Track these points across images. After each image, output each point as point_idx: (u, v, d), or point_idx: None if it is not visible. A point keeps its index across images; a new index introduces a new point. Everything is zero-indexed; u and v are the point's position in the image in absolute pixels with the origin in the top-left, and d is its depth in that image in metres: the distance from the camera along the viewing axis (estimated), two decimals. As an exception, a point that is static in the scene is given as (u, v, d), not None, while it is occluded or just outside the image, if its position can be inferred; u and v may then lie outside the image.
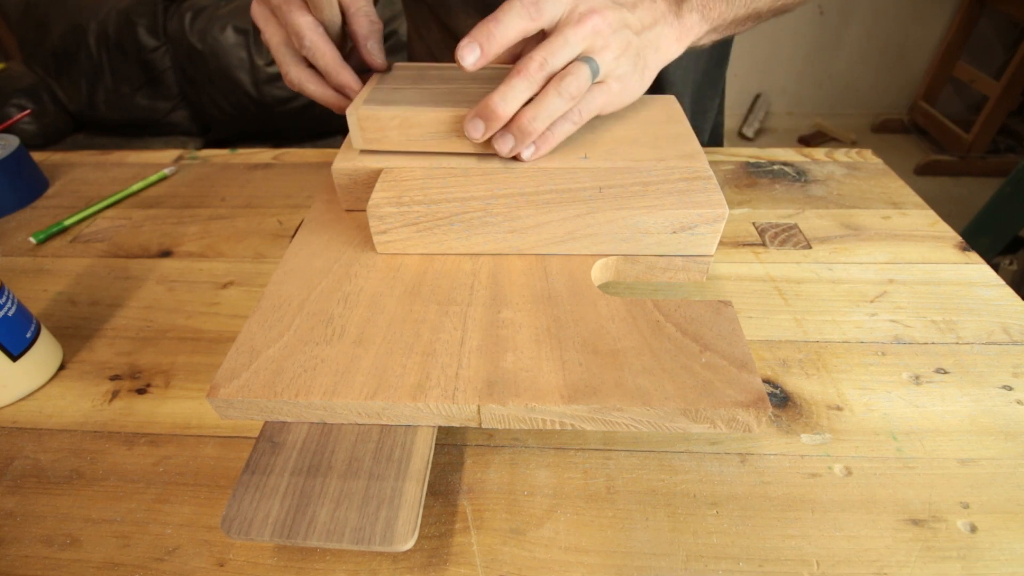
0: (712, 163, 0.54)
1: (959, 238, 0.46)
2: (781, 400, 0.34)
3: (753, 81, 2.37)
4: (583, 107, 0.34)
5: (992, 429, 0.32)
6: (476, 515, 0.29)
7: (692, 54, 0.49)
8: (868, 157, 0.58)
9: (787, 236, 0.47)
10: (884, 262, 0.44)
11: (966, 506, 0.28)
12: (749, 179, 0.54)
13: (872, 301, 0.40)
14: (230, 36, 1.46)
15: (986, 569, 0.26)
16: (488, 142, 0.35)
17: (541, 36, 0.34)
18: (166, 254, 0.48)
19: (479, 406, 0.26)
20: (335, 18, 0.38)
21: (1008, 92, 1.88)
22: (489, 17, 0.31)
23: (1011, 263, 1.26)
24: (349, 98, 0.39)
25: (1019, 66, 1.81)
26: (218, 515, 0.29)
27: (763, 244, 0.46)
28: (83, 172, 0.61)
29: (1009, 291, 0.41)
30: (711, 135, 0.70)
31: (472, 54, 0.31)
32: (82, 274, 0.46)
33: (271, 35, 0.39)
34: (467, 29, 0.54)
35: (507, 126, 0.33)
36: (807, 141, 2.27)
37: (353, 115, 0.35)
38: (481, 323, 0.30)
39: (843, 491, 0.29)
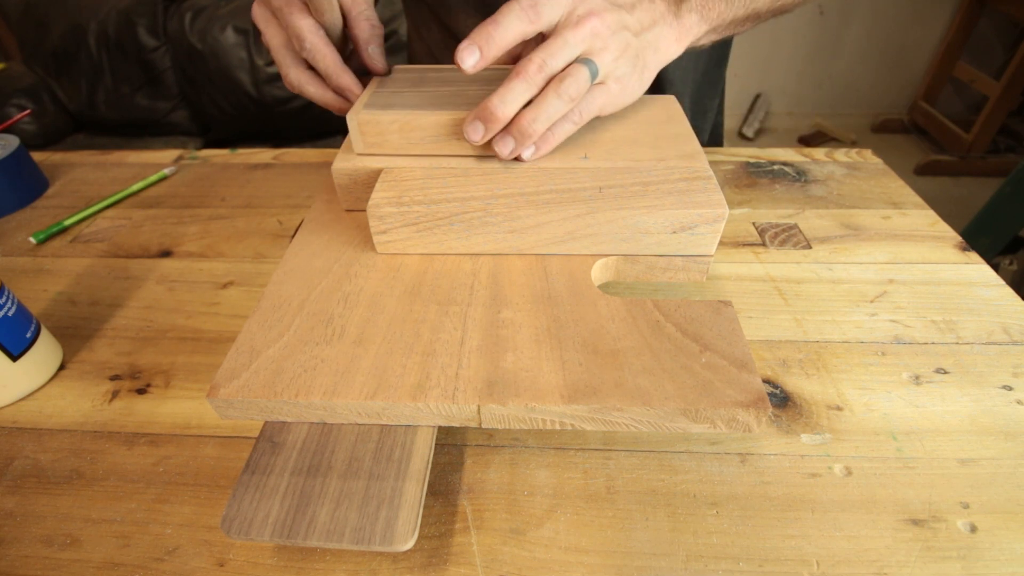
0: (712, 163, 0.54)
1: (959, 238, 0.46)
2: (781, 400, 0.34)
3: (753, 81, 2.37)
4: (583, 108, 0.34)
5: (992, 429, 0.32)
6: (476, 515, 0.29)
7: (692, 54, 0.49)
8: (868, 157, 0.58)
9: (787, 236, 0.47)
10: (884, 262, 0.44)
11: (966, 506, 0.28)
12: (749, 179, 0.54)
13: (872, 301, 0.40)
14: (230, 36, 1.46)
15: (986, 569, 0.26)
16: (488, 144, 0.35)
17: (540, 38, 0.34)
18: (166, 254, 0.48)
19: (479, 406, 0.26)
20: (336, 21, 0.38)
21: (1008, 92, 1.88)
22: (488, 20, 0.31)
23: (1011, 263, 1.26)
24: (349, 100, 0.39)
25: (1019, 66, 1.81)
26: (218, 515, 0.29)
27: (763, 244, 0.46)
28: (83, 172, 0.61)
29: (1009, 291, 0.41)
30: (711, 135, 0.70)
31: (471, 57, 0.31)
32: (82, 274, 0.46)
33: (272, 37, 0.39)
34: (467, 29, 0.54)
35: (507, 128, 0.33)
36: (807, 141, 2.27)
37: (353, 120, 0.35)
38: (481, 323, 0.30)
39: (843, 491, 0.29)
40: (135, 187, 0.56)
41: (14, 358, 0.34)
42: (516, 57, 0.37)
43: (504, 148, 0.34)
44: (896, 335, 0.38)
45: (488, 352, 0.28)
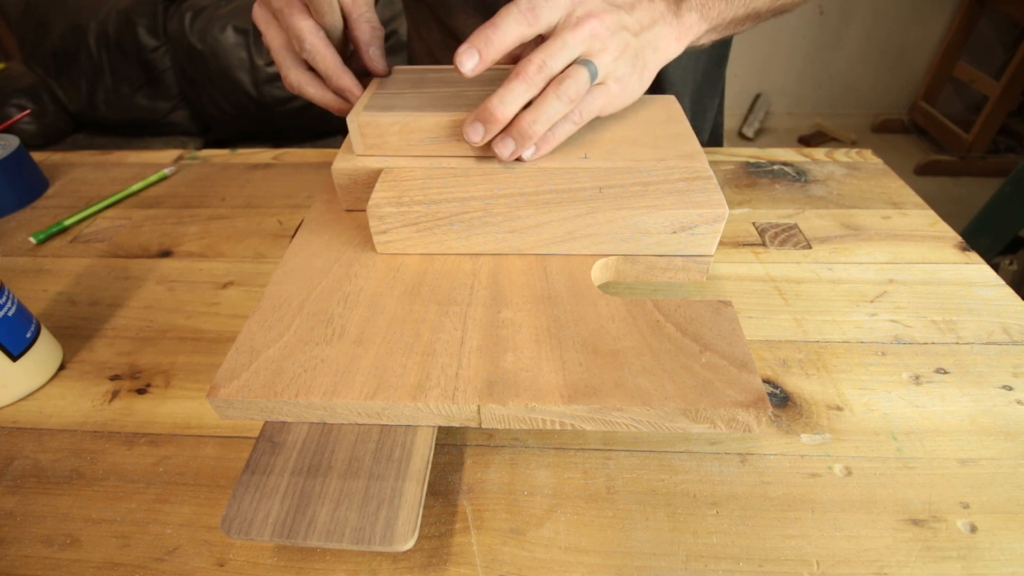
0: (712, 163, 0.54)
1: (959, 238, 0.46)
2: (781, 400, 0.34)
3: (753, 81, 2.37)
4: (583, 108, 0.34)
5: (992, 429, 0.32)
6: (476, 515, 0.29)
7: (692, 54, 0.49)
8: (868, 157, 0.58)
9: (787, 236, 0.47)
10: (884, 262, 0.44)
11: (966, 506, 0.28)
12: (749, 179, 0.54)
13: (872, 301, 0.40)
14: (230, 36, 1.46)
15: (986, 569, 0.26)
16: (488, 145, 0.35)
17: (539, 40, 0.34)
18: (166, 254, 0.48)
19: (479, 406, 0.26)
20: (336, 23, 0.38)
21: (1008, 92, 1.88)
22: (487, 23, 0.31)
23: (1011, 263, 1.26)
24: (349, 101, 0.39)
25: (1019, 66, 1.81)
26: (218, 515, 0.29)
27: (763, 244, 0.46)
28: (83, 172, 0.61)
29: (1009, 291, 0.41)
30: (711, 135, 0.70)
31: (471, 60, 0.31)
32: (82, 274, 0.46)
33: (272, 38, 0.39)
34: (467, 29, 0.54)
35: (507, 130, 0.34)
36: (807, 141, 2.27)
37: (353, 121, 0.35)
38: (481, 323, 0.30)
39: (843, 491, 0.29)
40: (135, 187, 0.56)
41: (14, 358, 0.34)
42: (516, 58, 0.37)
43: (504, 150, 0.34)
44: (896, 335, 0.38)
45: (488, 352, 0.28)
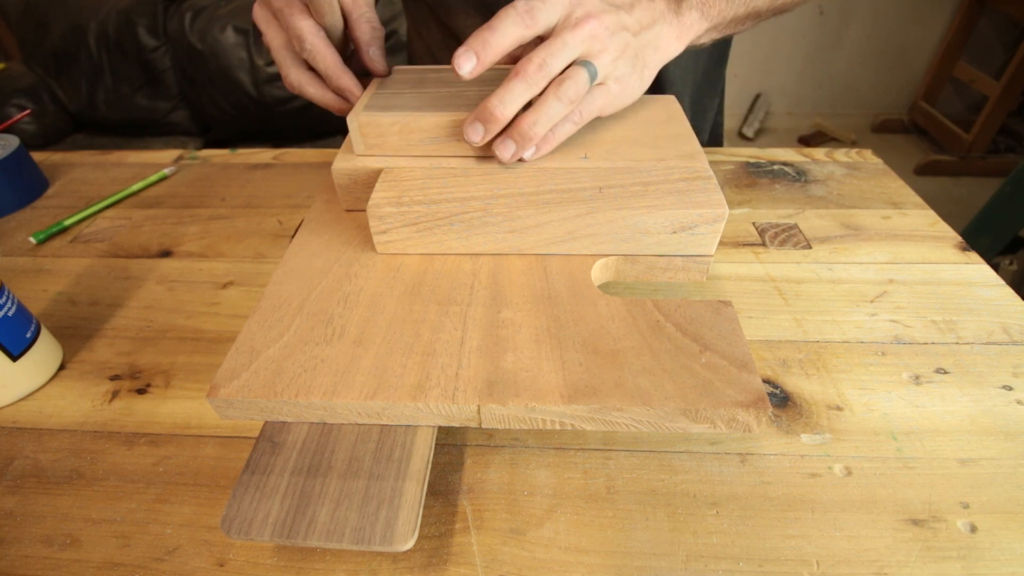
0: (712, 163, 0.54)
1: (959, 238, 0.46)
2: (781, 400, 0.34)
3: (753, 81, 2.37)
4: (583, 108, 0.34)
5: (992, 429, 0.32)
6: (476, 515, 0.29)
7: (691, 54, 0.49)
8: (868, 157, 0.58)
9: (787, 236, 0.47)
10: (884, 262, 0.44)
11: (966, 506, 0.28)
12: (749, 179, 0.54)
13: (872, 301, 0.40)
14: (230, 36, 1.46)
15: (986, 569, 0.26)
16: (488, 145, 0.35)
17: (538, 42, 0.34)
18: (166, 254, 0.48)
19: (479, 406, 0.26)
20: (337, 23, 0.38)
21: (1008, 92, 1.88)
22: (484, 26, 0.31)
23: (1011, 263, 1.26)
24: (349, 101, 0.39)
25: (1019, 66, 1.81)
26: (218, 515, 0.29)
27: (763, 244, 0.46)
28: (83, 172, 0.61)
29: (1009, 291, 0.41)
30: (711, 135, 0.70)
31: (468, 63, 0.31)
32: (82, 274, 0.46)
33: (272, 38, 0.39)
34: (467, 29, 0.54)
35: (508, 132, 0.34)
36: (807, 141, 2.27)
37: (354, 122, 0.35)
38: (481, 323, 0.30)
39: (843, 491, 0.29)
40: (135, 187, 0.56)
41: (14, 358, 0.34)
42: (516, 59, 0.37)
43: (505, 152, 0.34)
44: (896, 335, 0.38)
45: (488, 352, 0.28)
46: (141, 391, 0.36)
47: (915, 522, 0.28)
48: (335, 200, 0.39)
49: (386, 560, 0.27)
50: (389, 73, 0.41)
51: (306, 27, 0.36)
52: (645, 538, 0.28)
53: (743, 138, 2.29)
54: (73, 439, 0.33)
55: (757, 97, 2.39)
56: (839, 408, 0.33)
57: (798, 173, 0.55)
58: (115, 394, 0.36)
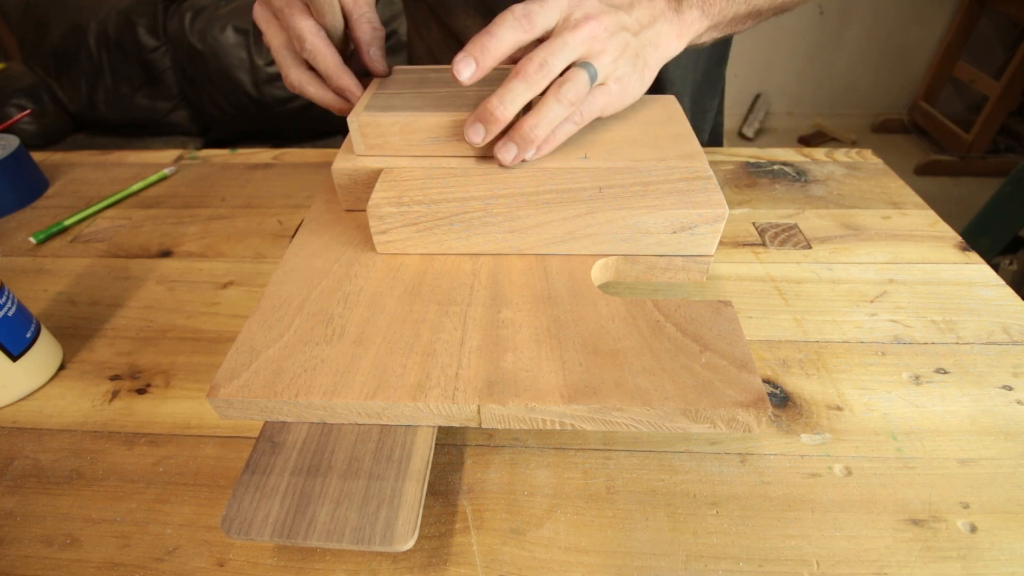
0: (712, 163, 0.54)
1: (959, 238, 0.46)
2: (781, 400, 0.34)
3: (753, 81, 2.37)
4: (584, 109, 0.35)
5: (992, 429, 0.32)
6: (476, 515, 0.29)
7: (691, 54, 0.49)
8: (868, 157, 0.58)
9: (787, 236, 0.47)
10: (884, 262, 0.44)
11: (966, 506, 0.28)
12: (749, 179, 0.54)
13: (872, 301, 0.40)
14: (230, 36, 1.46)
15: (986, 569, 0.26)
16: (488, 145, 0.35)
17: (538, 43, 0.34)
18: (166, 254, 0.48)
19: (479, 406, 0.26)
20: (337, 23, 0.38)
21: (1008, 92, 1.88)
22: (483, 31, 0.32)
23: (1011, 263, 1.26)
24: (350, 101, 0.39)
25: (1019, 66, 1.81)
26: (218, 515, 0.29)
27: (763, 244, 0.46)
28: (83, 172, 0.61)
29: (1009, 291, 0.41)
30: (711, 135, 0.70)
31: (468, 68, 0.31)
32: (82, 274, 0.46)
33: (272, 37, 0.39)
34: (467, 29, 0.54)
35: (509, 134, 0.34)
36: (807, 141, 2.27)
37: (354, 122, 0.35)
38: (481, 323, 0.30)
39: (843, 491, 0.29)
40: (135, 187, 0.56)
41: (14, 358, 0.34)
42: (516, 60, 0.37)
43: (507, 155, 0.34)
44: (896, 335, 0.38)
45: (488, 352, 0.28)
46: (141, 391, 0.36)
47: (915, 522, 0.28)
48: (335, 200, 0.39)
49: (386, 560, 0.27)
50: (389, 73, 0.41)
51: (306, 27, 0.36)
52: (645, 538, 0.28)
53: (743, 138, 2.29)
54: (73, 439, 0.33)
55: (757, 97, 2.39)
56: (839, 408, 0.33)
57: (798, 173, 0.55)
58: (115, 394, 0.36)
